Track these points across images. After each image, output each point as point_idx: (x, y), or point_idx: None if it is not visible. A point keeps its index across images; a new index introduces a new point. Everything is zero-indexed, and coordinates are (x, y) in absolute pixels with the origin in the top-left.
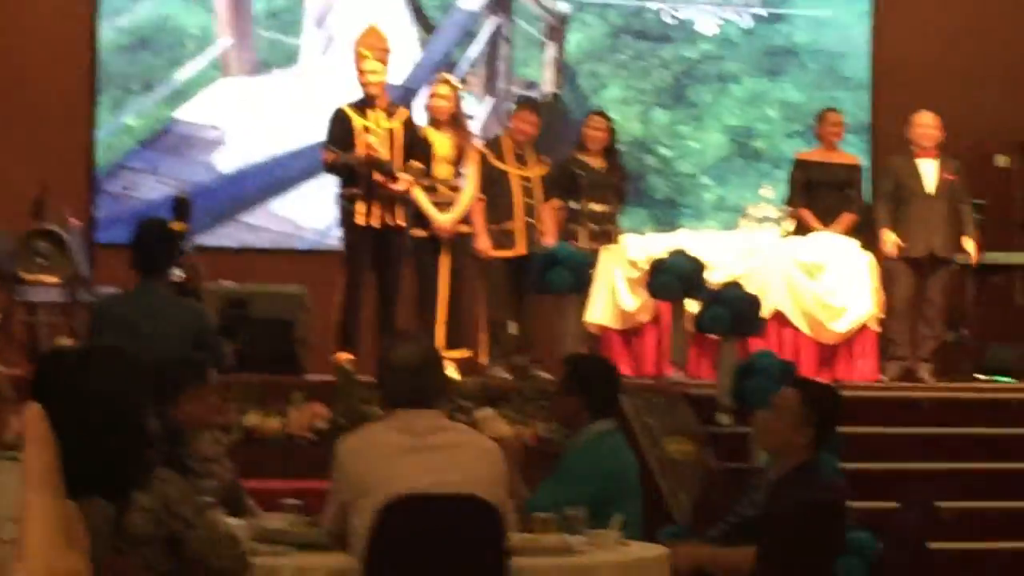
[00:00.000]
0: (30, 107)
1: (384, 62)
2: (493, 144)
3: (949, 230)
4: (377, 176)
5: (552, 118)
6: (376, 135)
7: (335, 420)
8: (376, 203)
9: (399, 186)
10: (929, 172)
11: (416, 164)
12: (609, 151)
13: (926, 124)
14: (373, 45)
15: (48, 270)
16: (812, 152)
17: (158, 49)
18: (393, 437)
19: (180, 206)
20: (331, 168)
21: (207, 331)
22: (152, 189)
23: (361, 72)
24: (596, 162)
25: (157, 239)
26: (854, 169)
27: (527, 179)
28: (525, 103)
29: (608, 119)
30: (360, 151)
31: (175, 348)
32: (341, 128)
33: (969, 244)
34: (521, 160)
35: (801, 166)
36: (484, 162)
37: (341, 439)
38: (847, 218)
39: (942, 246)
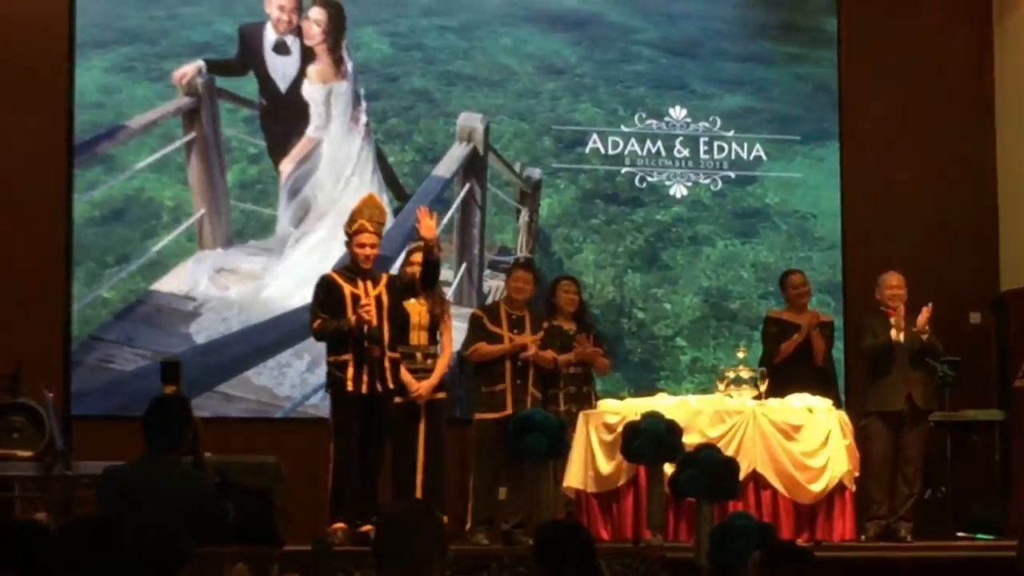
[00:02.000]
0: (5, 280)
1: (380, 234)
2: (489, 308)
3: (925, 384)
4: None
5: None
6: (367, 303)
7: None
8: (365, 370)
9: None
10: (899, 331)
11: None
12: (579, 314)
13: (893, 285)
14: (373, 216)
15: (22, 444)
16: (783, 311)
17: (133, 222)
18: None
19: (170, 369)
20: (320, 335)
21: (207, 498)
22: (128, 361)
23: (359, 244)
24: (568, 325)
25: (168, 417)
26: (827, 325)
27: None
28: (521, 264)
29: (577, 283)
30: (350, 318)
31: (176, 519)
32: (328, 295)
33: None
34: (518, 325)
35: (773, 322)
36: (481, 326)
37: None
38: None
39: (920, 399)
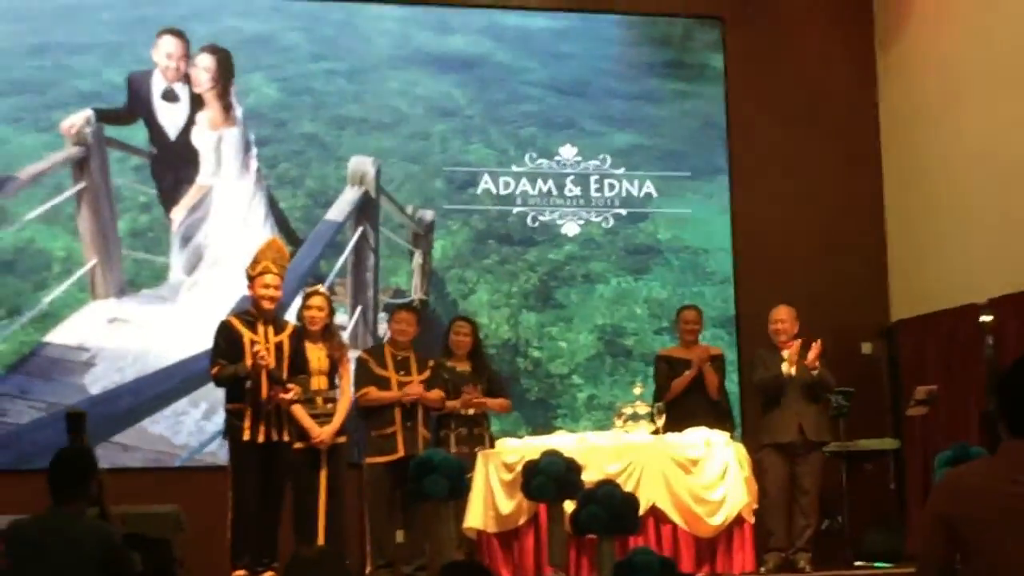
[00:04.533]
0: None
1: (283, 277)
2: (374, 351)
3: (816, 416)
4: (264, 388)
5: (422, 325)
6: (264, 347)
7: None
8: (262, 418)
9: (289, 395)
10: (786, 365)
11: (302, 377)
12: (474, 354)
13: (780, 319)
14: (276, 260)
15: None
16: (674, 348)
17: (24, 273)
18: None
19: (74, 420)
20: (219, 381)
21: (115, 549)
22: (22, 413)
23: (262, 285)
24: (461, 366)
25: (71, 468)
26: (718, 358)
27: (407, 384)
28: (401, 306)
29: (471, 323)
30: (247, 363)
31: (85, 572)
32: (228, 341)
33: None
34: (403, 366)
35: (664, 359)
36: (367, 370)
37: None
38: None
39: (812, 430)
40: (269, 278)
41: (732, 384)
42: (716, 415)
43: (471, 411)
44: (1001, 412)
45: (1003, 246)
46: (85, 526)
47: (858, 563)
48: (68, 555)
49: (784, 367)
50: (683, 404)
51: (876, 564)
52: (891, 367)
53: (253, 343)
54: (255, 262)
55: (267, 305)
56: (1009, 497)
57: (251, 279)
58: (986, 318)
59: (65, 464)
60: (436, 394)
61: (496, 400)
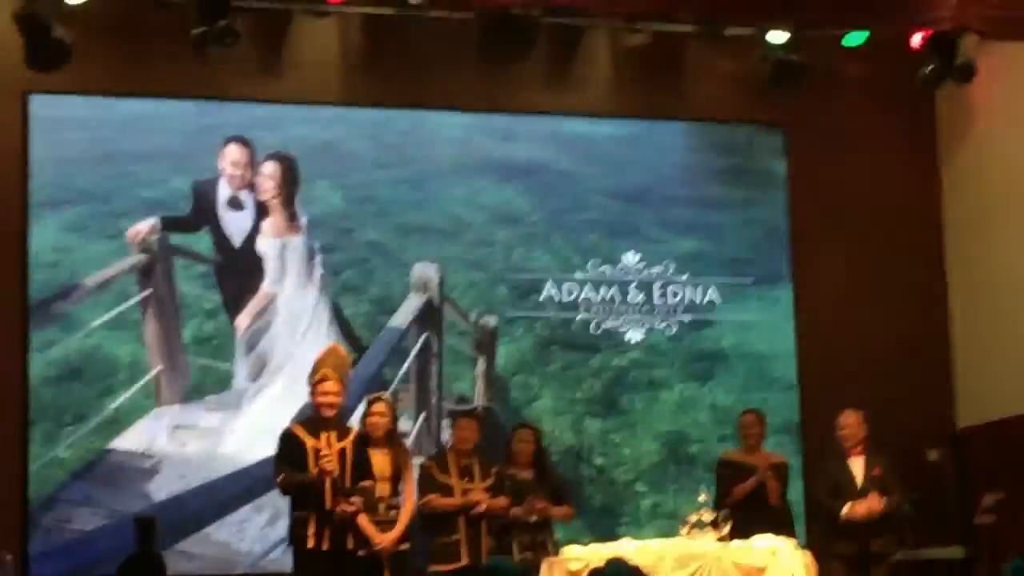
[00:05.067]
0: None
1: (343, 383)
2: (438, 458)
3: (879, 527)
4: (329, 497)
5: (486, 431)
6: (328, 455)
7: None
8: (328, 526)
9: (352, 508)
10: (858, 470)
11: (367, 484)
12: (536, 461)
13: (850, 424)
14: (336, 365)
15: None
16: (736, 452)
17: (90, 380)
18: None
19: (144, 527)
20: (285, 489)
21: None
22: (87, 521)
23: (322, 392)
24: (523, 473)
25: (142, 572)
26: (781, 466)
27: (470, 491)
28: (463, 413)
29: (533, 429)
30: (312, 471)
31: None
32: (291, 449)
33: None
34: (467, 473)
35: (726, 464)
36: (430, 477)
37: None
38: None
39: (873, 544)
40: (329, 384)
41: (796, 492)
42: (777, 524)
43: (534, 518)
44: None
45: None
46: None
47: None
48: None
49: (855, 476)
50: (745, 512)
51: None
52: (958, 475)
53: (317, 450)
54: (314, 370)
55: (327, 412)
56: None
57: (312, 386)
58: None
59: (136, 570)
60: (502, 501)
61: (559, 508)
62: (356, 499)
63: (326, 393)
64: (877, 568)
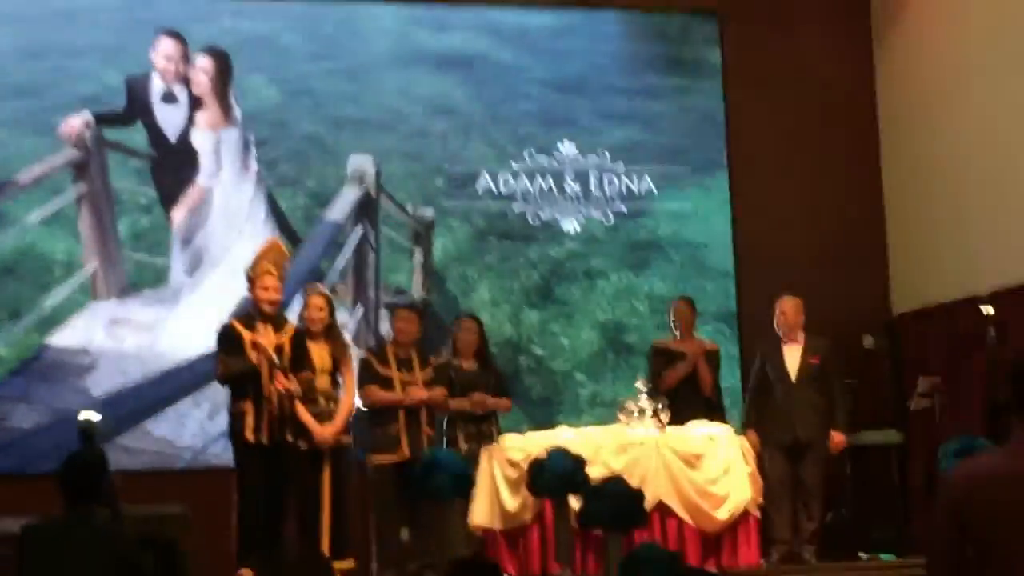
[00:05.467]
0: None
1: (283, 279)
2: (377, 350)
3: (812, 416)
4: (268, 385)
5: (425, 323)
6: (266, 345)
7: None
8: (267, 418)
9: (292, 385)
10: (793, 358)
11: (306, 376)
12: (480, 352)
13: (786, 310)
14: (277, 261)
15: None
16: (668, 340)
17: (25, 276)
18: None
19: (85, 429)
20: (225, 380)
21: (130, 550)
22: (25, 418)
23: (262, 288)
24: (468, 364)
25: (88, 468)
26: (712, 354)
27: (410, 383)
28: (404, 305)
29: (477, 321)
30: (252, 357)
31: (98, 573)
32: (230, 342)
33: (836, 436)
34: (405, 365)
35: (658, 351)
36: (370, 369)
37: None
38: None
39: (804, 433)
40: (268, 280)
41: (734, 379)
42: (708, 411)
43: (479, 412)
44: (1016, 402)
45: (1004, 238)
46: (100, 528)
47: (862, 555)
48: (83, 557)
49: (786, 363)
50: (679, 399)
51: (880, 556)
52: (893, 360)
53: (255, 343)
54: (255, 264)
55: (267, 308)
56: None
57: (251, 281)
58: (988, 310)
59: (79, 467)
60: (439, 393)
61: (501, 400)
62: (294, 380)
63: (266, 288)
64: (808, 456)
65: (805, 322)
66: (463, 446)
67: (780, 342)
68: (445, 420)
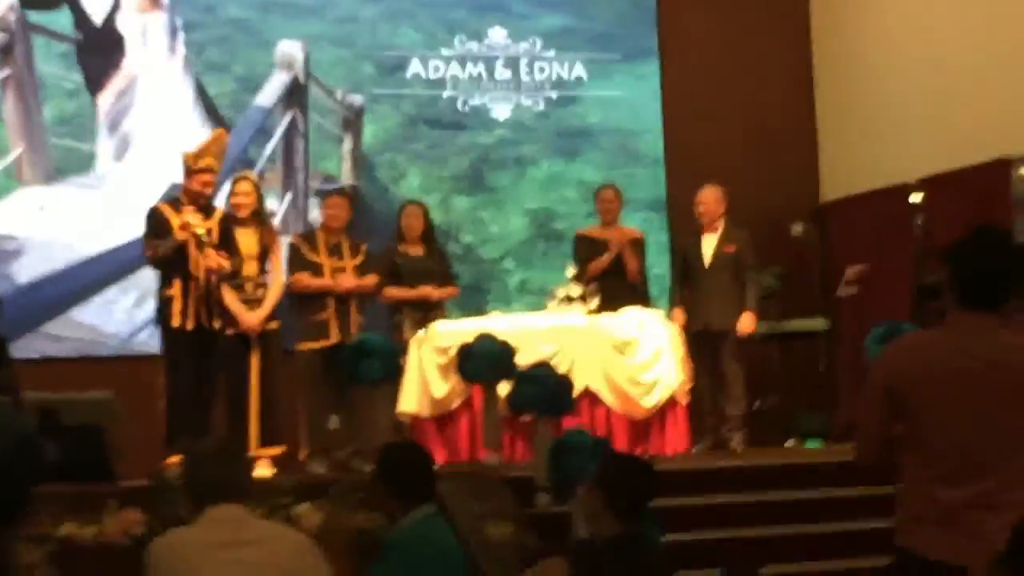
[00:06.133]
0: None
1: (219, 171)
2: (307, 236)
3: (724, 304)
4: (196, 265)
5: (353, 210)
6: (194, 224)
7: (152, 526)
8: (192, 304)
9: (223, 263)
10: (708, 246)
11: (234, 259)
12: (427, 237)
13: (704, 200)
14: (219, 155)
15: None
16: (593, 228)
17: None
18: (202, 536)
19: None
20: (154, 260)
21: (26, 437)
22: None
23: (202, 181)
24: (415, 250)
25: None
26: (637, 241)
27: (340, 269)
28: (334, 191)
29: (422, 206)
30: (178, 236)
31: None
32: (158, 224)
33: (744, 318)
34: (336, 251)
35: (583, 241)
36: (300, 255)
37: (150, 544)
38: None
39: (716, 320)
40: (209, 176)
41: (663, 267)
42: (635, 297)
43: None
44: (952, 284)
45: (933, 126)
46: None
47: (789, 442)
48: None
49: (704, 251)
50: (606, 287)
51: (807, 443)
52: (821, 248)
53: (183, 226)
54: (199, 155)
55: (202, 201)
56: (960, 370)
57: (189, 169)
58: (916, 198)
59: None
60: (370, 280)
61: (446, 289)
62: (224, 257)
63: (206, 184)
64: (724, 343)
65: (730, 210)
66: (408, 333)
67: (700, 232)
68: (390, 306)
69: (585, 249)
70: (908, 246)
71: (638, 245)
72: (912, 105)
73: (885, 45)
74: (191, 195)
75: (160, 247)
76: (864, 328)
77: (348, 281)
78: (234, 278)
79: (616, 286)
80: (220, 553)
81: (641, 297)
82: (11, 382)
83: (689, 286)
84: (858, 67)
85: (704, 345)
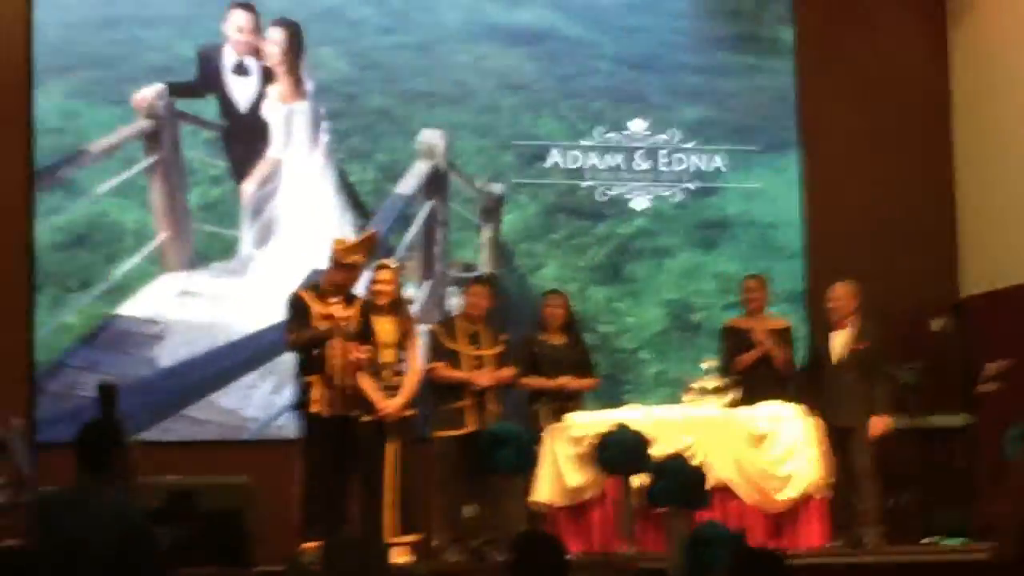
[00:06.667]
0: None
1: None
2: (446, 324)
3: (853, 401)
4: (334, 356)
5: (494, 298)
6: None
7: None
8: (332, 392)
9: (363, 355)
10: (838, 343)
11: (371, 348)
12: (568, 327)
13: (836, 296)
14: (368, 252)
15: None
16: (740, 319)
17: (95, 246)
18: None
19: (106, 393)
20: (296, 345)
21: (134, 523)
22: (93, 387)
23: (350, 274)
24: (556, 339)
25: (100, 438)
26: (783, 331)
27: (479, 358)
28: (477, 279)
29: (564, 296)
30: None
31: (105, 550)
32: (300, 311)
33: (874, 422)
34: (474, 339)
35: (731, 332)
36: (438, 343)
37: None
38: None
39: (845, 418)
40: (357, 273)
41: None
42: (783, 390)
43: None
44: None
45: None
46: (107, 500)
47: (927, 539)
48: (89, 529)
49: (835, 347)
50: (751, 379)
51: (945, 540)
52: (962, 343)
53: (323, 315)
54: (350, 251)
55: (345, 292)
56: None
57: (339, 263)
58: None
59: (92, 435)
60: (507, 374)
61: (585, 380)
62: (364, 349)
63: (352, 279)
64: (854, 440)
65: (865, 306)
66: (544, 423)
67: (831, 328)
68: (528, 395)
69: (732, 340)
70: None
71: (786, 334)
72: None
73: None
74: (335, 286)
75: (304, 334)
76: (1005, 425)
77: (486, 378)
78: (371, 367)
79: (764, 378)
80: None
81: (790, 388)
82: (126, 466)
83: (820, 383)
84: (999, 160)
85: (836, 442)
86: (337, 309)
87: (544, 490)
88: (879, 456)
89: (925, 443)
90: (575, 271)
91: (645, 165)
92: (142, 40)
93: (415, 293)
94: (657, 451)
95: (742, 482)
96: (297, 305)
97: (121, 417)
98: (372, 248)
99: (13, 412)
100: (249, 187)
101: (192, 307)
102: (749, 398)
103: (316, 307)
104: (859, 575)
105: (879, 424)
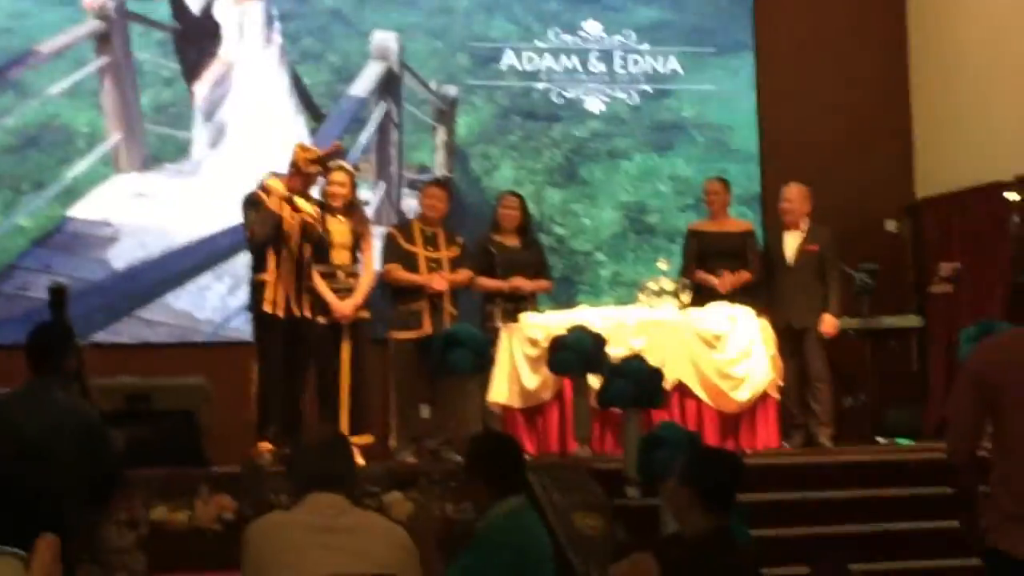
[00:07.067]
0: None
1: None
2: (403, 226)
3: (806, 302)
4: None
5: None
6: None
7: (242, 511)
8: (283, 291)
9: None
10: (791, 244)
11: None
12: (523, 229)
13: (789, 198)
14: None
15: None
16: (703, 222)
17: (47, 148)
18: (301, 518)
19: (56, 295)
20: (255, 240)
21: (90, 427)
22: (44, 288)
23: (307, 181)
24: (511, 241)
25: (51, 340)
26: (747, 235)
27: (435, 260)
28: (433, 182)
29: (520, 198)
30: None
31: (63, 450)
32: (256, 206)
33: (826, 320)
34: (431, 242)
35: (694, 236)
36: (395, 245)
37: (249, 524)
38: (743, 275)
39: (798, 318)
40: (313, 181)
41: None
42: (743, 291)
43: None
44: None
45: None
46: (60, 400)
47: (880, 439)
48: (42, 428)
49: (786, 250)
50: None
51: (898, 440)
52: (915, 245)
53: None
54: (313, 161)
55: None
56: None
57: (299, 169)
58: (1011, 196)
59: (41, 337)
60: (463, 276)
61: (540, 282)
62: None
63: (308, 185)
64: (807, 340)
65: (820, 207)
66: (498, 324)
67: (783, 229)
68: (483, 296)
69: (695, 245)
70: (1003, 244)
71: (750, 239)
72: (1008, 103)
73: (982, 42)
74: (291, 189)
75: (264, 221)
76: (957, 326)
77: (440, 283)
78: (325, 269)
79: (728, 266)
80: (317, 536)
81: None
82: (79, 368)
83: (772, 283)
84: (954, 64)
85: (788, 343)
86: (304, 204)
87: (501, 391)
88: (832, 357)
89: (878, 344)
90: (530, 173)
91: (600, 67)
92: None
93: (370, 195)
94: (612, 353)
95: (698, 382)
96: (251, 202)
97: (70, 324)
98: (333, 158)
99: None
100: (201, 89)
101: (145, 209)
102: (700, 300)
103: (270, 203)
104: (813, 475)
105: (829, 323)
